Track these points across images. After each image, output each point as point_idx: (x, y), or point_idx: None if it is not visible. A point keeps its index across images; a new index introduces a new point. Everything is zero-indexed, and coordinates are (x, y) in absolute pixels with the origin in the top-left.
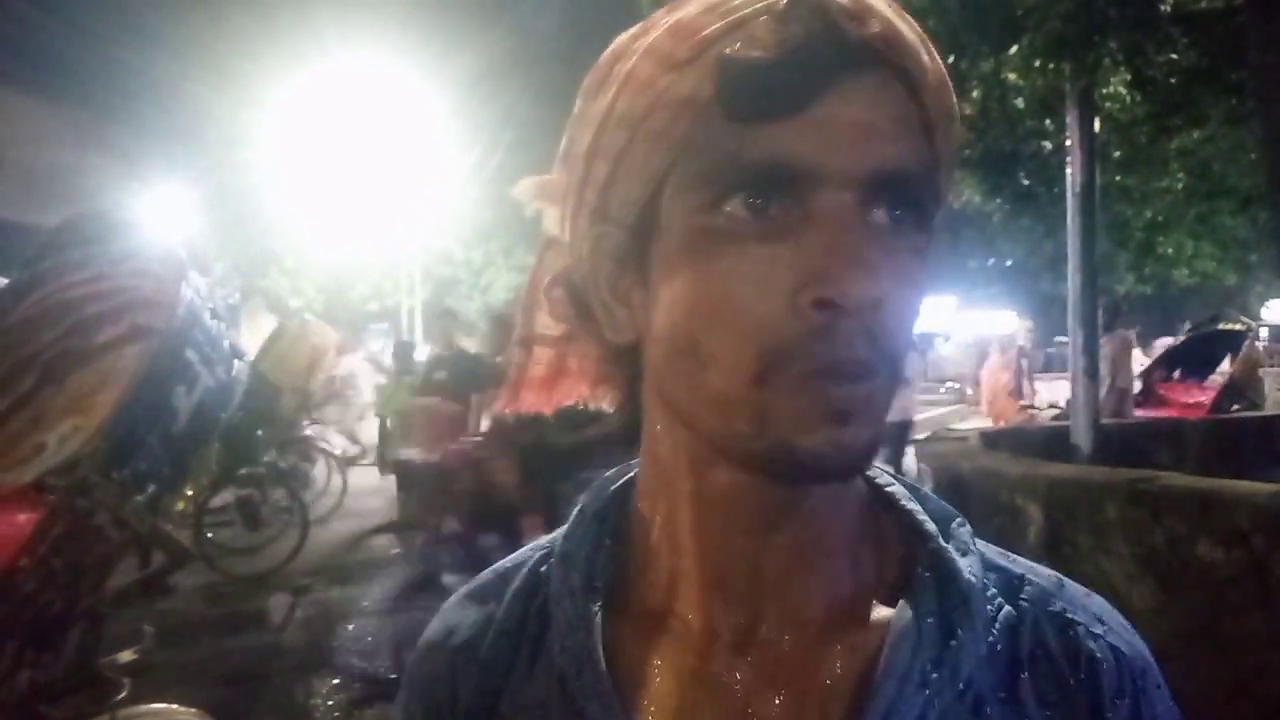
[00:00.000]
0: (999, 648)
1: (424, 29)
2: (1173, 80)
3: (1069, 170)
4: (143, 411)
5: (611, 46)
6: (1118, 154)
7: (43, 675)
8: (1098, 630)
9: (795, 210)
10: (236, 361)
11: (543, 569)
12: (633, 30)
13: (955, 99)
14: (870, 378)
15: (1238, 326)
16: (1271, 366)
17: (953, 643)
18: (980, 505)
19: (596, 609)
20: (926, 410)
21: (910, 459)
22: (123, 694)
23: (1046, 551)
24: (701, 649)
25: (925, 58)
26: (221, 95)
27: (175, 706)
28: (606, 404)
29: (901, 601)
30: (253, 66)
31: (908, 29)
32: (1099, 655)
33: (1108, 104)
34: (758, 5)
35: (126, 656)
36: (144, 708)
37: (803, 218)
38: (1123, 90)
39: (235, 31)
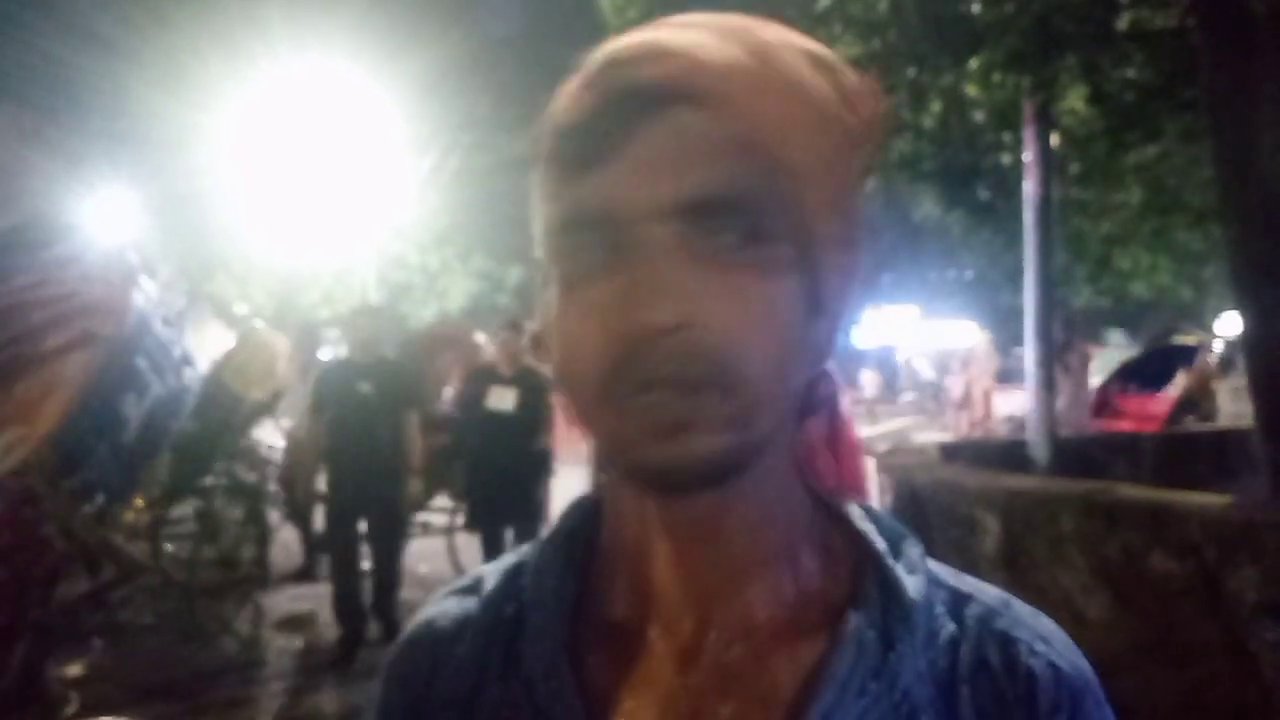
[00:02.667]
0: (940, 662)
1: (379, 29)
2: (1129, 96)
3: (1027, 184)
4: (92, 420)
5: None
6: (1075, 168)
7: None
8: (1039, 648)
9: (617, 249)
10: (187, 369)
11: (520, 578)
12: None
13: (820, 103)
14: (692, 392)
15: (1192, 341)
16: (1224, 380)
17: (891, 655)
18: (939, 517)
19: (562, 620)
20: (887, 422)
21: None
22: (71, 707)
23: (1004, 563)
24: (655, 658)
25: (742, 76)
26: (167, 95)
27: (124, 719)
28: None
29: (848, 613)
30: (200, 67)
31: (720, 53)
32: (1038, 672)
33: (1065, 119)
34: (588, 70)
35: (75, 669)
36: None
37: (621, 255)
38: (1080, 105)
39: (181, 31)
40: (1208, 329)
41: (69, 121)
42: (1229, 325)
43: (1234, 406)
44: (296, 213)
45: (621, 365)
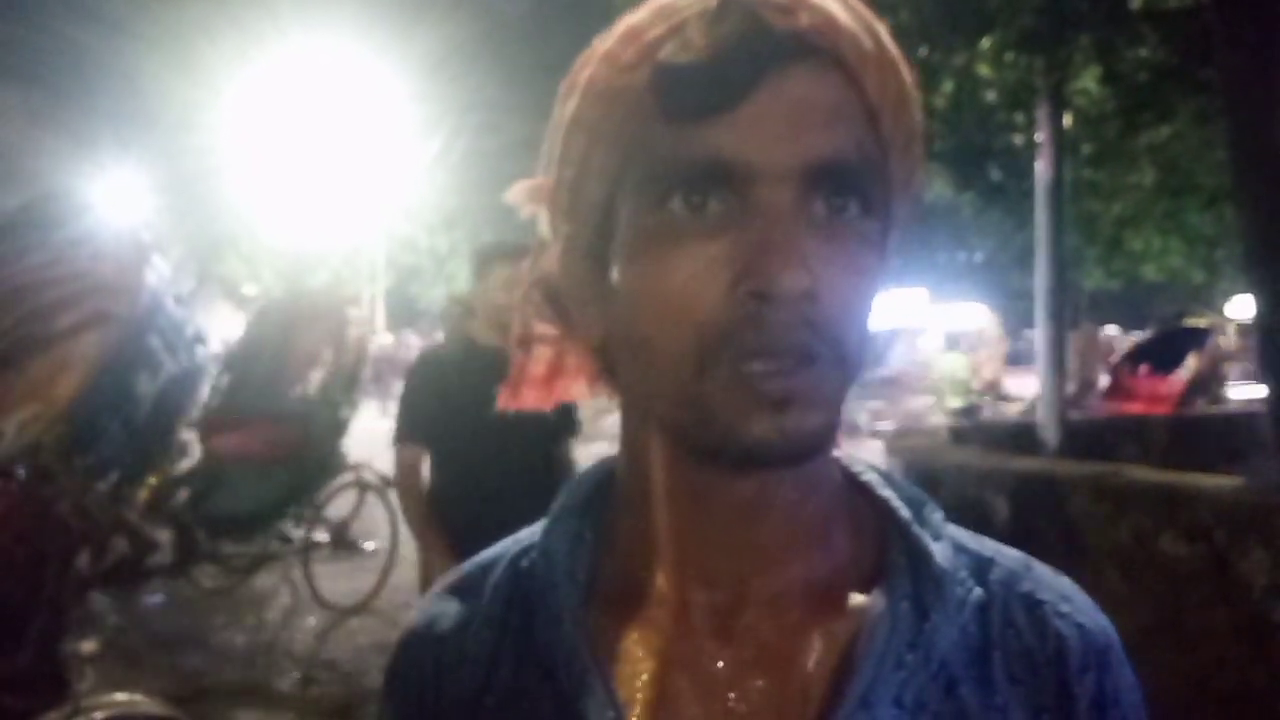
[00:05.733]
0: (970, 629)
1: (388, 10)
2: (1142, 76)
3: (1039, 165)
4: (105, 398)
5: (584, 52)
6: (1087, 149)
7: (5, 665)
8: (1064, 609)
9: (734, 205)
10: (200, 347)
11: (523, 563)
12: (603, 34)
13: (906, 83)
14: (808, 364)
15: (1203, 323)
16: (1235, 362)
17: (926, 625)
18: (948, 499)
19: (580, 601)
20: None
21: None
22: (86, 683)
23: (1012, 545)
24: (684, 636)
25: (866, 42)
26: (177, 77)
27: (138, 696)
28: (606, 399)
29: (878, 586)
30: (210, 48)
31: (846, 15)
32: (1065, 633)
33: (1078, 99)
34: (695, 8)
35: (89, 646)
36: (106, 697)
37: (741, 212)
38: (1093, 85)
39: (191, 12)
40: (1219, 311)
41: (79, 102)
42: (1240, 308)
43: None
44: (305, 194)
45: (741, 328)
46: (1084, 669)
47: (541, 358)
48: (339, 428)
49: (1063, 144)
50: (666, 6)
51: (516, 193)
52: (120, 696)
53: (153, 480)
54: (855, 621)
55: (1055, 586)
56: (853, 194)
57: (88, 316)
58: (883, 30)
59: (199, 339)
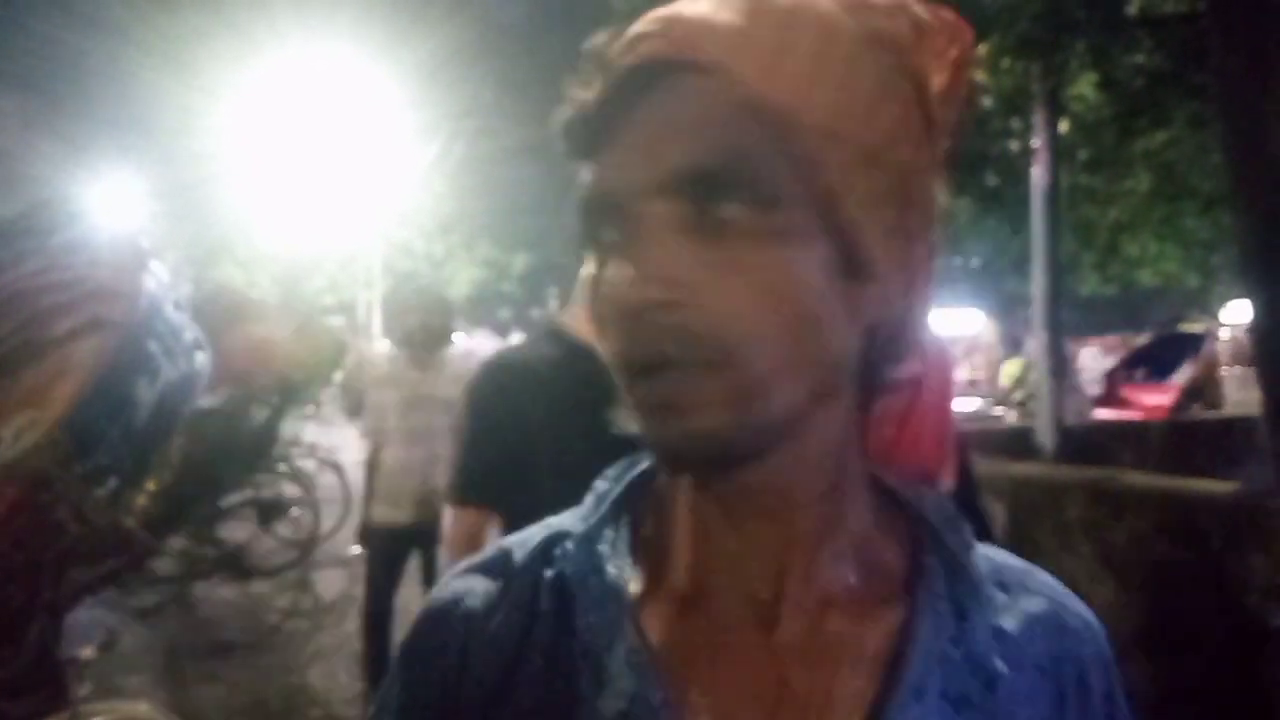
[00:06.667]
0: (1000, 628)
1: (384, 15)
2: (1138, 82)
3: (1035, 170)
4: (104, 404)
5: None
6: (1084, 154)
7: (3, 671)
8: (1074, 608)
9: (624, 231)
10: (199, 353)
11: (555, 550)
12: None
13: (831, 59)
14: (669, 371)
15: (1199, 328)
16: (1232, 368)
17: (965, 625)
18: None
19: (626, 586)
20: None
21: None
22: (83, 689)
23: (1010, 549)
24: (727, 625)
25: (750, 37)
26: (174, 82)
27: (138, 704)
28: None
29: (916, 587)
30: (206, 53)
31: (724, 15)
32: (1078, 629)
33: (1074, 104)
34: (601, 55)
35: (87, 652)
36: (105, 703)
37: (627, 235)
38: (1089, 91)
39: (187, 17)
40: (1214, 316)
41: (75, 108)
42: (1236, 313)
43: (1240, 394)
44: (302, 199)
45: (626, 348)
46: (1097, 663)
47: None
48: (241, 442)
49: (1059, 149)
50: (596, 44)
51: None
52: (119, 703)
53: (151, 486)
54: (894, 618)
55: (1060, 590)
56: (734, 192)
57: (85, 322)
58: (809, 10)
59: (198, 344)
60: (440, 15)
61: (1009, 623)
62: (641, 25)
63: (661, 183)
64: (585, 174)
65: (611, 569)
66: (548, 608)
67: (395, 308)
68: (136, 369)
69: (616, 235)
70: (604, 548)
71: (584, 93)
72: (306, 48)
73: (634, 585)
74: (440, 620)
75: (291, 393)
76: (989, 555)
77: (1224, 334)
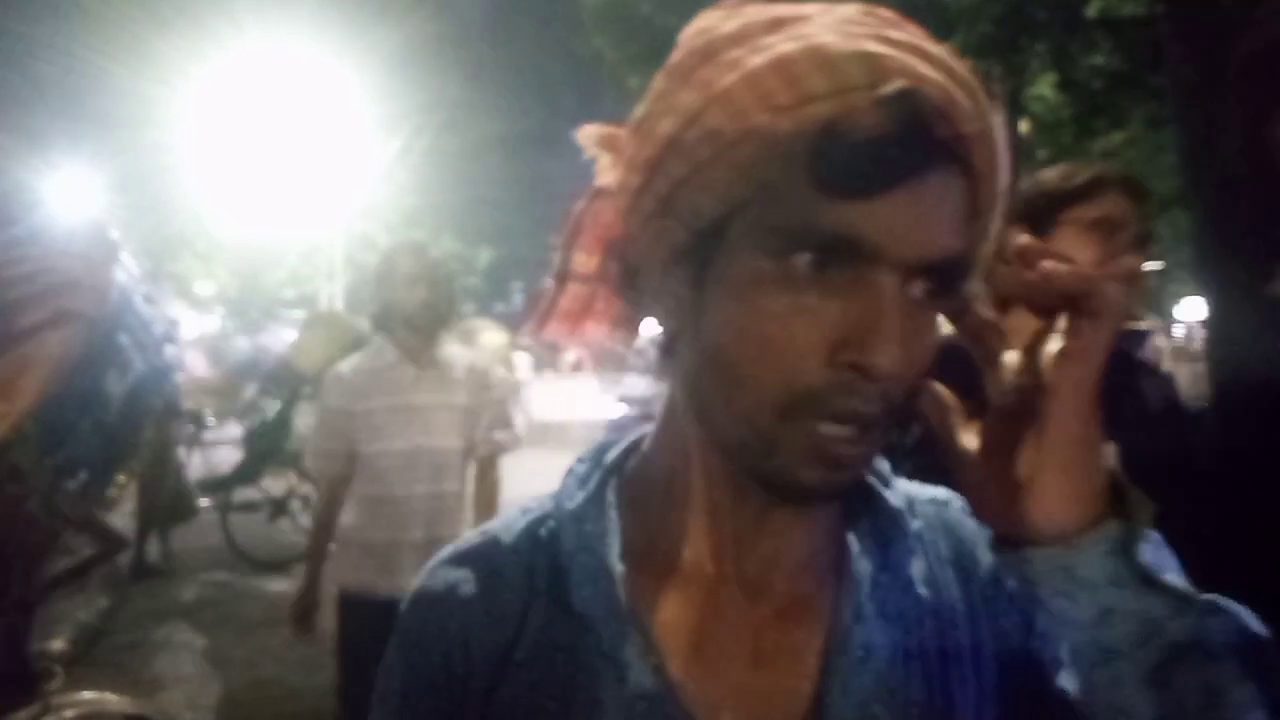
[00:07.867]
0: (918, 546)
1: (348, 6)
2: (1097, 83)
3: None
4: (74, 397)
5: (699, 27)
6: (1043, 154)
7: None
8: (955, 502)
9: (851, 276)
10: (169, 346)
11: (541, 531)
12: (721, 11)
13: (1006, 187)
14: (872, 432)
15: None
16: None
17: (890, 551)
18: None
19: (617, 561)
20: None
21: None
22: (55, 682)
23: None
24: (717, 597)
25: (997, 152)
26: (130, 71)
27: (108, 695)
28: (622, 345)
29: (850, 531)
30: (163, 42)
31: (990, 127)
32: (966, 522)
33: (1034, 105)
34: (859, 78)
35: (59, 645)
36: (76, 696)
37: (854, 283)
38: (1049, 92)
39: (144, 5)
40: (1166, 314)
41: (27, 97)
42: (1188, 310)
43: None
44: (262, 191)
45: (829, 392)
46: (979, 538)
47: (576, 294)
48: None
49: (1019, 149)
50: (819, 53)
51: (586, 134)
52: (90, 695)
53: (122, 479)
54: (840, 562)
55: (950, 495)
56: (947, 282)
57: (53, 315)
58: (1004, 140)
59: (169, 337)
60: (406, 7)
61: (925, 540)
62: (920, 76)
63: (915, 261)
64: (828, 203)
65: (601, 546)
66: (542, 585)
67: (384, 277)
68: (107, 362)
69: (846, 279)
70: (593, 525)
71: (858, 122)
72: (268, 38)
73: (626, 559)
74: (436, 604)
75: (302, 385)
76: (904, 488)
77: (1178, 331)
